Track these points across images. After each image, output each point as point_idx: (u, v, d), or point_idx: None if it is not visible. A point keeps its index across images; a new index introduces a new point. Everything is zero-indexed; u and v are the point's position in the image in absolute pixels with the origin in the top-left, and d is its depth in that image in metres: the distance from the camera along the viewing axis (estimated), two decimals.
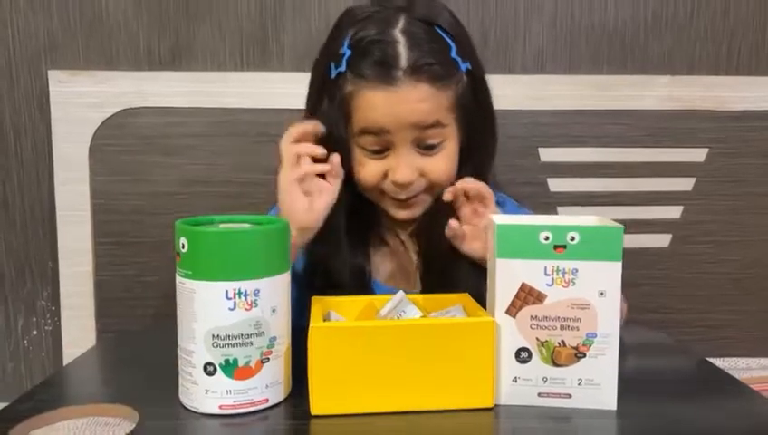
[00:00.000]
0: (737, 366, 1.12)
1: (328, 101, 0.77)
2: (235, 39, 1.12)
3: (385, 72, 0.73)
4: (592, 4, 1.13)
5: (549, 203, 1.13)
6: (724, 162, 1.14)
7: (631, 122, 1.13)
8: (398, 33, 0.74)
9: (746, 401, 0.61)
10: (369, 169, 0.78)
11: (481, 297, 0.64)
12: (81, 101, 1.10)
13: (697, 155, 1.15)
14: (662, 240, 1.16)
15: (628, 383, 0.58)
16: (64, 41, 1.11)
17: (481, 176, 0.78)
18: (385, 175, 0.77)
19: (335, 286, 0.78)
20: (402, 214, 0.80)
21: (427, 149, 0.77)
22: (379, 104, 0.73)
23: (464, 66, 0.77)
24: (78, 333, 1.13)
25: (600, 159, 1.13)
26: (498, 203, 0.79)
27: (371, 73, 0.73)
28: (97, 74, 1.10)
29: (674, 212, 1.15)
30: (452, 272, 0.78)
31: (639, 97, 1.13)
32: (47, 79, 1.11)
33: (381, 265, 0.86)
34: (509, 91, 1.12)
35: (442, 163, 0.77)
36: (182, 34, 1.11)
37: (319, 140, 0.76)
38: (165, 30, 1.11)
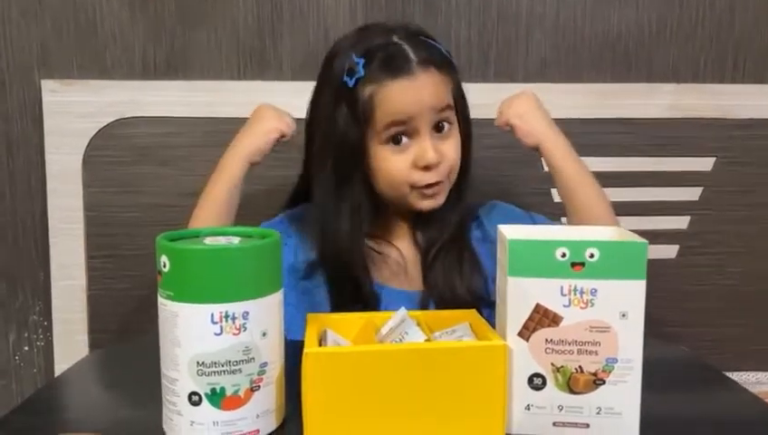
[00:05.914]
0: (747, 380, 1.10)
1: (347, 109, 0.83)
2: (232, 48, 1.09)
3: (400, 65, 0.83)
4: (595, 11, 1.11)
5: (553, 213, 1.11)
6: (732, 171, 1.13)
7: (637, 131, 1.11)
8: (398, 40, 0.85)
9: None
10: (396, 163, 0.84)
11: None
12: (75, 112, 1.08)
13: (704, 164, 1.13)
14: (669, 251, 1.13)
15: (649, 409, 0.54)
16: (58, 50, 1.08)
17: (467, 162, 0.90)
18: (411, 165, 0.84)
19: (357, 301, 0.83)
20: (428, 203, 0.87)
21: (441, 131, 0.86)
22: (401, 94, 0.82)
23: (453, 61, 0.89)
24: (70, 348, 1.11)
25: (605, 168, 1.11)
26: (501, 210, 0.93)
27: (389, 70, 0.82)
28: (91, 84, 1.08)
29: (681, 222, 1.13)
30: (453, 267, 0.87)
31: (644, 106, 1.12)
32: (40, 89, 1.08)
33: (383, 268, 0.89)
34: None
35: (454, 147, 0.87)
36: (178, 43, 1.09)
37: (336, 148, 0.84)
38: (160, 39, 1.09)
